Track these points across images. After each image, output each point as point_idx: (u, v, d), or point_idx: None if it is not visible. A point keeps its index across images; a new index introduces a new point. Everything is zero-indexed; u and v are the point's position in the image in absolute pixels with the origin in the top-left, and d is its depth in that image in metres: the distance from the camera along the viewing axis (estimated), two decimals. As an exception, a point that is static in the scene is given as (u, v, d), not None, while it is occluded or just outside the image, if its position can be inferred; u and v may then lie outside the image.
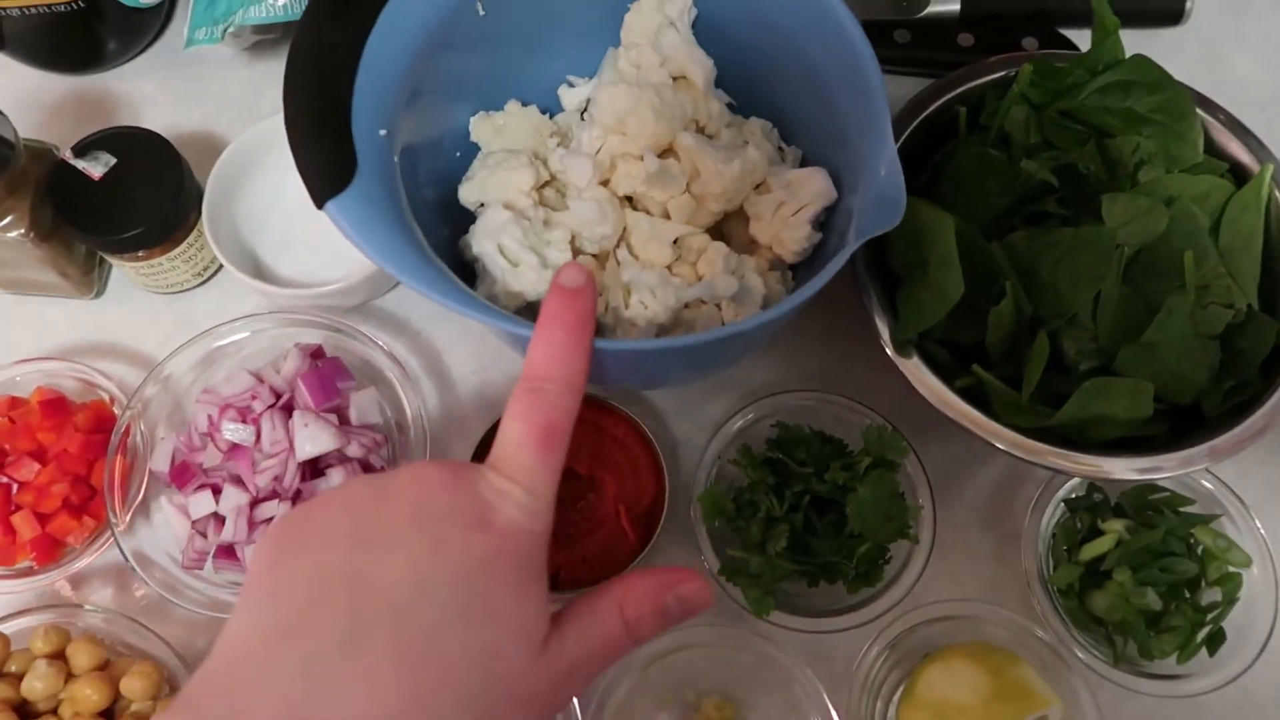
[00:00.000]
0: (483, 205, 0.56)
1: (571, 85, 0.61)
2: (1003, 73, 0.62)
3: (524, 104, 0.59)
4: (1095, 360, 0.55)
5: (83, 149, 0.62)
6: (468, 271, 0.56)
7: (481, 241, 0.53)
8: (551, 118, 0.60)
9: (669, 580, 0.39)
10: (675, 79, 0.58)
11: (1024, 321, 0.55)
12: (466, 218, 0.57)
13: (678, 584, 0.39)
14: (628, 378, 0.57)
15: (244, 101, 0.73)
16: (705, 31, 0.58)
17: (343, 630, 0.32)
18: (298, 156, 0.45)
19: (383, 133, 0.49)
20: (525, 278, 0.52)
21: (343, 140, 0.47)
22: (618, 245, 0.55)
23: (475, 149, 0.59)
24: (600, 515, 0.58)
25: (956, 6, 0.72)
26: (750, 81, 0.59)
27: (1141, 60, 0.58)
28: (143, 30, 0.74)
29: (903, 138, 0.60)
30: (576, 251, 0.55)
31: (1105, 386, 0.53)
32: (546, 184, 0.57)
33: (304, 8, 0.49)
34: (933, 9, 0.72)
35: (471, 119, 0.58)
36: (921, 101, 0.61)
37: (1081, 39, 0.71)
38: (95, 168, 0.61)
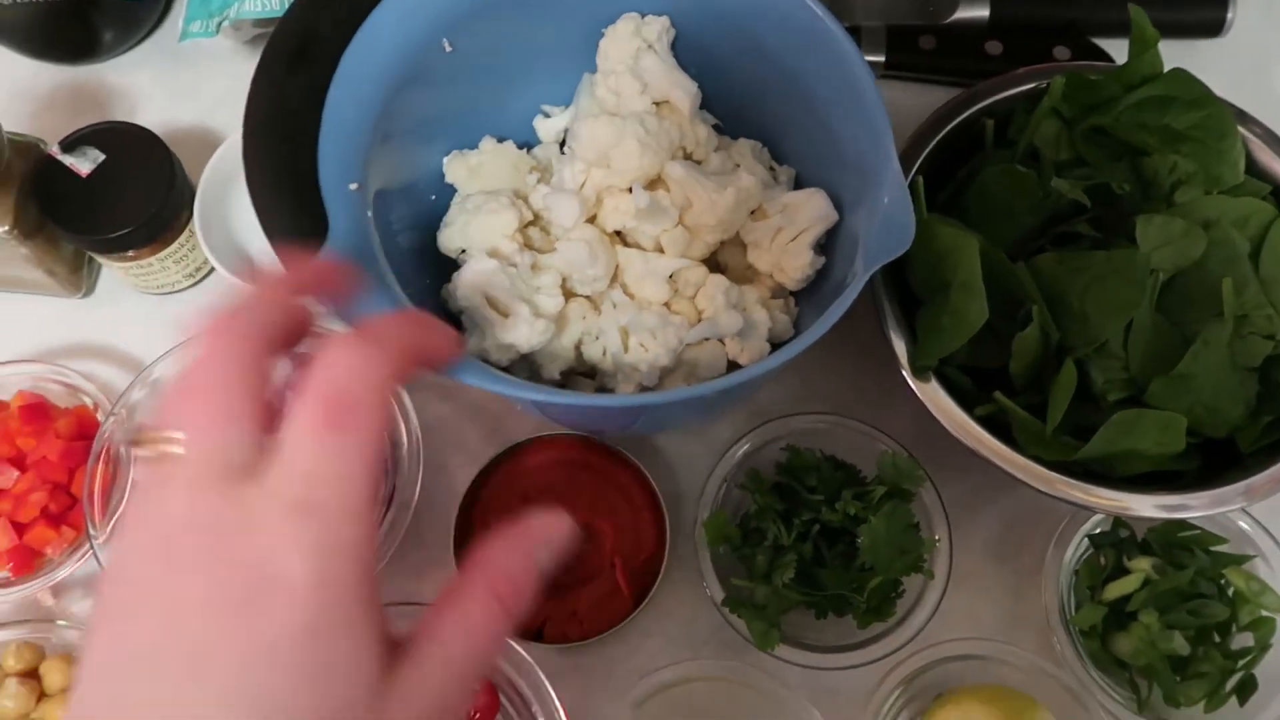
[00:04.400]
0: (464, 252, 0.53)
1: (547, 115, 0.58)
2: (1033, 85, 0.59)
3: (499, 140, 0.56)
4: (1125, 391, 0.52)
5: (71, 144, 0.60)
6: (452, 322, 0.53)
7: (468, 294, 0.50)
8: (529, 151, 0.57)
9: (533, 532, 0.32)
10: (658, 104, 0.54)
11: (1050, 348, 0.52)
12: (446, 265, 0.54)
13: (543, 533, 0.32)
14: (630, 425, 0.55)
15: (241, 96, 0.69)
16: (686, 52, 0.55)
17: None
18: (263, 221, 0.42)
19: (353, 187, 0.46)
20: (518, 330, 0.49)
21: (312, 201, 0.44)
22: (611, 285, 0.52)
23: (451, 191, 0.56)
24: (595, 566, 0.55)
25: (985, 13, 0.69)
26: (736, 101, 0.56)
27: (1181, 74, 0.55)
28: (139, 22, 0.71)
29: (925, 152, 0.57)
30: (569, 294, 0.52)
31: (1136, 419, 0.50)
32: (530, 224, 0.54)
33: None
34: (960, 15, 0.69)
35: (445, 159, 0.55)
36: (946, 114, 0.59)
37: (1116, 49, 0.68)
38: (83, 164, 0.59)
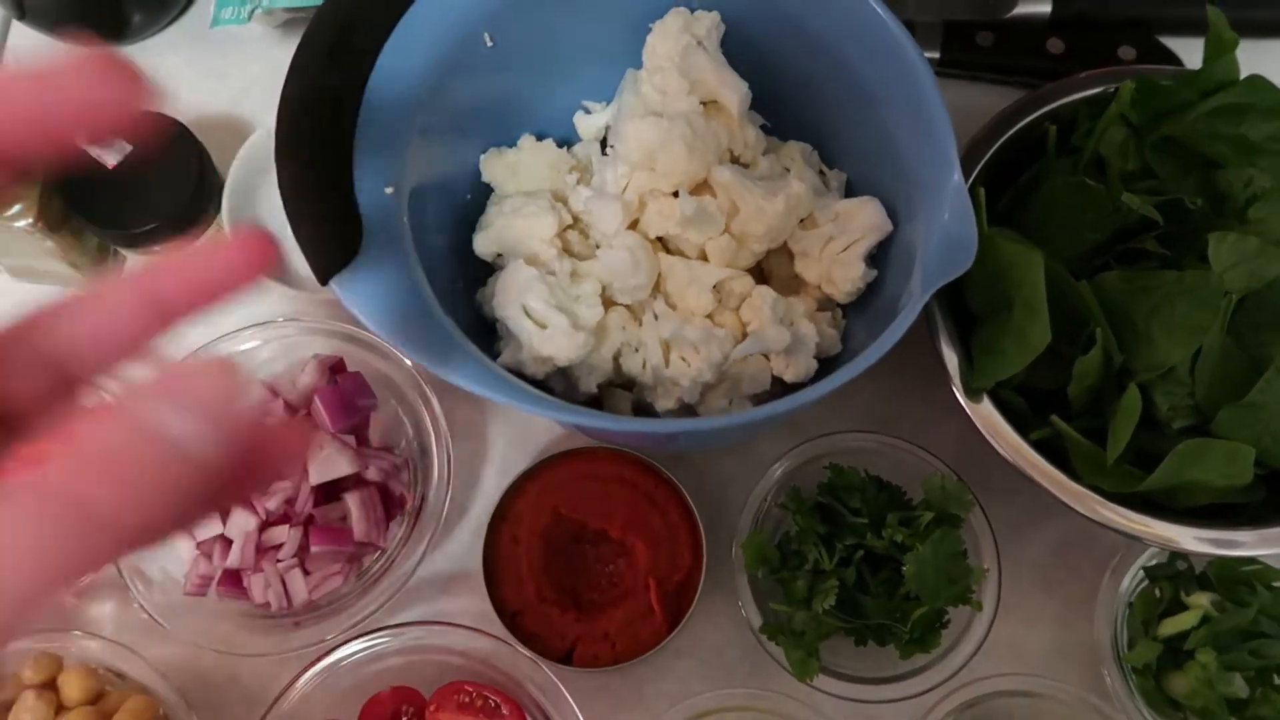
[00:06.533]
0: (500, 255, 0.51)
1: (588, 112, 0.55)
2: (1099, 89, 0.56)
3: (538, 137, 0.54)
4: (1190, 419, 0.50)
5: (97, 134, 0.58)
6: (486, 327, 0.51)
7: (504, 304, 0.48)
8: (568, 149, 0.55)
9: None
10: (705, 104, 0.52)
11: (1112, 372, 0.50)
12: (482, 266, 0.52)
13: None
14: (668, 445, 0.53)
15: (272, 82, 0.66)
16: (734, 48, 0.52)
17: None
18: (296, 228, 0.40)
19: (389, 190, 0.44)
20: (555, 341, 0.47)
21: (346, 204, 0.42)
22: (653, 294, 0.50)
23: (486, 189, 0.53)
24: (628, 585, 0.54)
25: (1047, 8, 0.66)
26: (786, 100, 0.54)
27: (1258, 81, 0.52)
28: (168, 3, 0.69)
29: (985, 158, 0.55)
30: (609, 303, 0.50)
31: (1202, 450, 0.47)
32: (569, 227, 0.51)
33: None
34: (1020, 10, 0.66)
35: (482, 157, 0.53)
36: (1006, 118, 0.56)
37: (1183, 48, 0.65)
38: (110, 155, 0.57)
